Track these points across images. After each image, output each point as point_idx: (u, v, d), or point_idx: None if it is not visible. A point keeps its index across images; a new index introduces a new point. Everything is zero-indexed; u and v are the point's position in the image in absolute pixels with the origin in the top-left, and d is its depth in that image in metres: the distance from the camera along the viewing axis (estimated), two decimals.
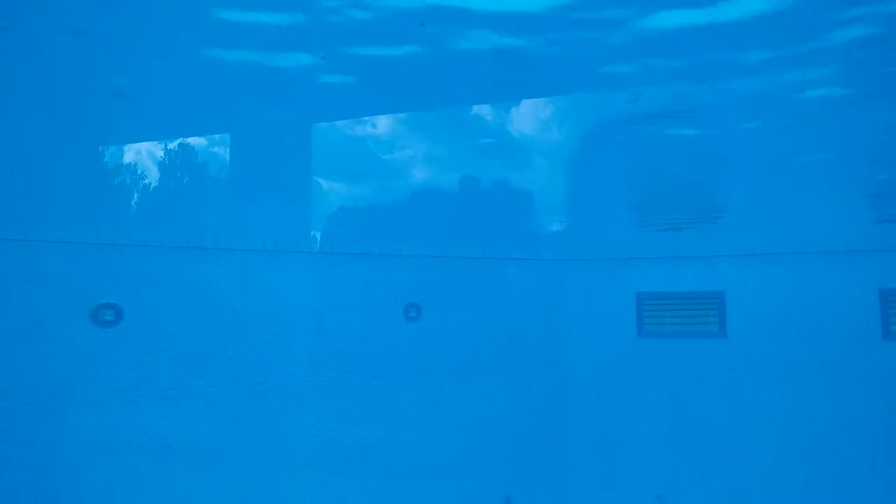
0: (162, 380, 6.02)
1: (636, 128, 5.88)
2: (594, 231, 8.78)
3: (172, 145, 5.48)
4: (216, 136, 5.53)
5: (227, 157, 5.73)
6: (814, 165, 7.08)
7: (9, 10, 3.60)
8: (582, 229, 8.84)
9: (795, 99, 5.02)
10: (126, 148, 5.48)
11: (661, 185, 7.74)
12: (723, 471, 7.79)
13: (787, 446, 7.62)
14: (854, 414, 7.44)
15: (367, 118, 5.43)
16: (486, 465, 7.61)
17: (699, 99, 5.31)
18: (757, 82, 5.04)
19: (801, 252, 7.77)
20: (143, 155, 5.47)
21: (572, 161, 6.95)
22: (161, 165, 5.59)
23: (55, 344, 5.66)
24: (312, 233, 6.97)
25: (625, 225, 8.58)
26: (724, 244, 8.09)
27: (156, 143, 5.42)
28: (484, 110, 5.66)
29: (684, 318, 8.12)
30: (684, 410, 7.97)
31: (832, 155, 6.85)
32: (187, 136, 5.41)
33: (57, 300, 5.68)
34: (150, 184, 5.69)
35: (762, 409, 7.72)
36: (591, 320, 8.33)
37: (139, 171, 5.63)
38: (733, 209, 8.19)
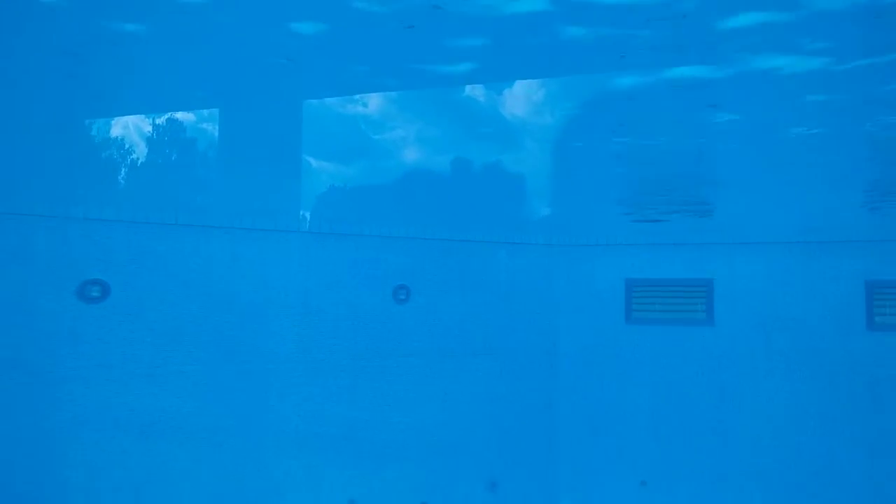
0: (148, 357, 6.01)
1: (626, 113, 5.86)
2: (584, 217, 8.79)
3: (160, 120, 5.43)
4: (205, 111, 5.48)
5: (217, 134, 5.68)
6: (804, 155, 7.08)
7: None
8: (572, 215, 8.84)
9: (786, 84, 5.00)
10: (113, 122, 5.42)
11: (652, 173, 7.73)
12: (707, 457, 7.86)
13: (771, 434, 7.70)
14: (838, 403, 7.51)
15: (358, 96, 5.40)
16: (472, 447, 7.64)
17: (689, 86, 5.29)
18: (743, 65, 5.01)
19: (790, 241, 7.81)
20: (131, 129, 5.42)
21: (563, 146, 6.92)
22: (149, 140, 5.54)
23: (41, 319, 5.63)
24: (302, 212, 6.94)
25: (615, 211, 8.59)
26: (714, 232, 8.12)
27: (143, 117, 5.37)
28: (477, 91, 5.62)
29: (673, 306, 8.16)
30: (670, 397, 8.02)
31: (824, 145, 6.86)
32: (176, 111, 5.36)
33: (43, 275, 5.65)
34: (138, 159, 5.64)
35: (747, 397, 7.79)
36: (580, 305, 8.35)
37: (126, 146, 5.58)
38: (723, 198, 8.21)
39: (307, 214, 6.88)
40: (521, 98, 5.78)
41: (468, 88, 5.51)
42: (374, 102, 5.50)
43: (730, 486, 7.77)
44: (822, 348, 7.58)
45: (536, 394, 8.18)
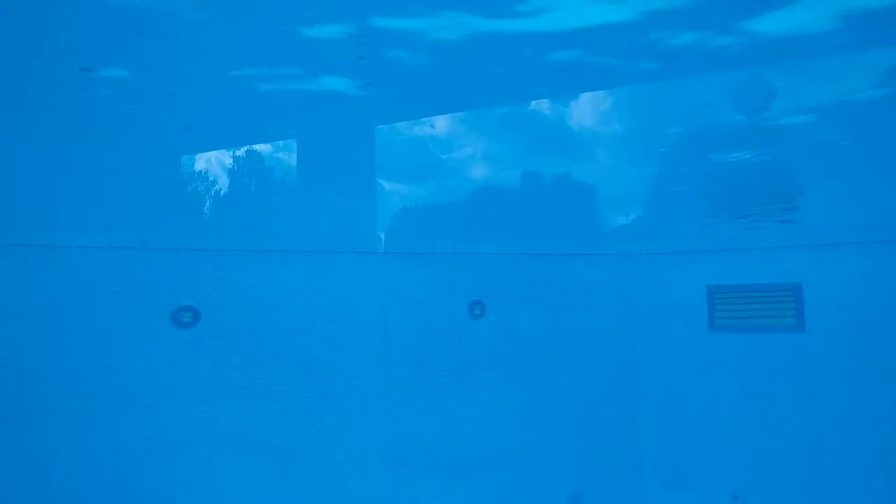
0: (237, 378, 6.27)
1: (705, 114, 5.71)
2: (662, 223, 8.56)
3: (240, 153, 5.70)
4: (281, 142, 5.71)
5: (294, 162, 5.91)
6: None
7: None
8: (649, 222, 8.64)
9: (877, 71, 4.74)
10: (197, 157, 5.74)
11: (734, 174, 7.48)
12: (803, 469, 7.47)
13: (870, 446, 7.24)
14: None
15: (425, 119, 5.48)
16: (554, 461, 7.56)
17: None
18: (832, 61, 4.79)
19: (887, 240, 7.35)
20: (213, 163, 5.72)
21: (638, 153, 6.80)
22: (230, 172, 5.83)
23: (139, 345, 5.97)
24: (377, 233, 7.10)
25: (694, 216, 8.34)
26: (802, 233, 7.73)
27: (224, 150, 5.66)
28: (542, 105, 5.61)
29: (759, 312, 7.82)
30: (760, 407, 7.68)
31: None
32: (254, 144, 5.62)
33: (139, 303, 6.00)
34: (221, 190, 5.94)
35: (844, 407, 7.35)
36: (660, 315, 8.13)
37: (210, 179, 5.89)
38: (812, 195, 7.83)
39: (382, 235, 7.04)
40: (588, 109, 5.73)
41: (534, 103, 5.51)
42: (441, 123, 5.58)
43: (827, 498, 7.35)
44: None
45: (617, 406, 8.01)
